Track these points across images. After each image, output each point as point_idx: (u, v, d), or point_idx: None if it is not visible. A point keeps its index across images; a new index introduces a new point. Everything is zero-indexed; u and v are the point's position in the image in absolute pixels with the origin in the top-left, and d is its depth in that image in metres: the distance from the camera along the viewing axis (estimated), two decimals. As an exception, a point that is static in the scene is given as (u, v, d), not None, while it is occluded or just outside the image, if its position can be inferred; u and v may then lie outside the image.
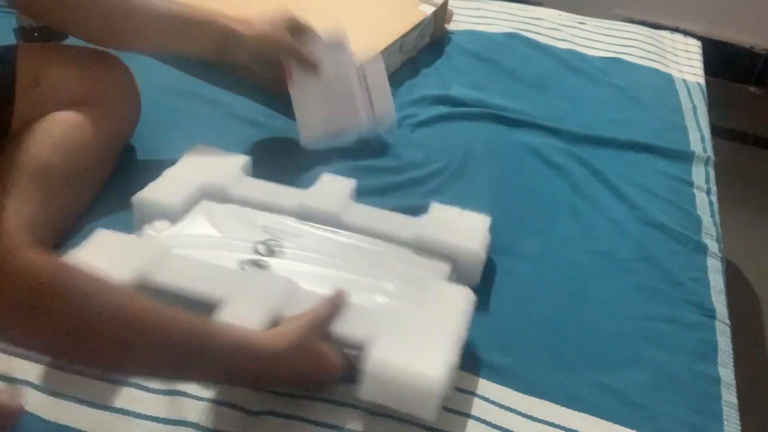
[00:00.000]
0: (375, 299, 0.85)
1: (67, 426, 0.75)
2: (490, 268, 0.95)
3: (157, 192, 0.93)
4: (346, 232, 0.94)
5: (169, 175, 0.95)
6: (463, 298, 0.83)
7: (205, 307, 0.80)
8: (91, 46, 1.01)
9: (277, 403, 0.78)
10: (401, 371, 0.74)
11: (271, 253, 0.90)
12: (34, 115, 0.95)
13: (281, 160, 1.09)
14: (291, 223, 0.95)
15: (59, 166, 0.92)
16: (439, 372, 0.73)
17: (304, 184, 1.00)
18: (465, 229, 0.93)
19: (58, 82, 0.97)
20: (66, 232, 0.93)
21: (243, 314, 0.77)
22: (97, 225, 0.89)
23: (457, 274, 0.92)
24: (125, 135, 1.05)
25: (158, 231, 0.90)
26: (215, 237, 0.91)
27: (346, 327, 0.79)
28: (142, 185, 0.93)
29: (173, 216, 0.92)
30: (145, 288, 0.81)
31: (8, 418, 0.74)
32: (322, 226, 0.94)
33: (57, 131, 0.94)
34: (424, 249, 0.92)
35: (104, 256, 0.81)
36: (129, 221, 0.93)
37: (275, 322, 0.79)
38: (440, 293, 0.84)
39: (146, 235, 0.89)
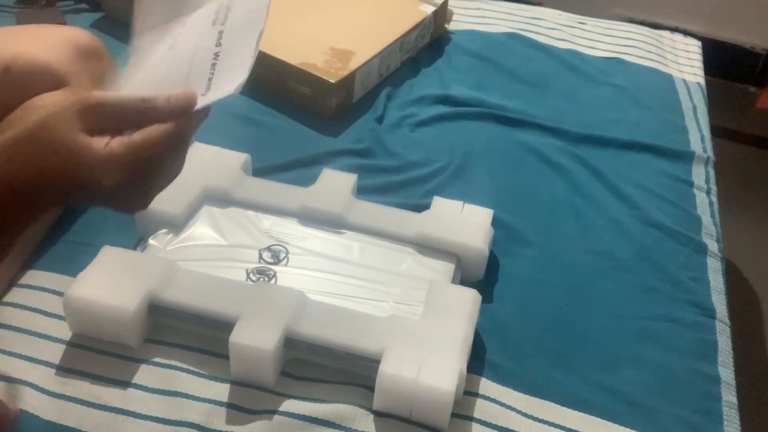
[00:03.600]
0: (383, 306, 0.85)
1: (67, 426, 0.75)
2: (493, 261, 0.95)
3: (158, 200, 0.91)
4: (350, 233, 0.94)
5: None
6: (469, 301, 0.83)
7: (219, 324, 0.80)
8: (62, 27, 0.97)
9: (278, 402, 0.78)
10: (412, 385, 0.74)
11: (276, 260, 0.90)
12: (8, 104, 0.93)
13: (281, 157, 1.09)
14: (294, 225, 0.95)
15: None
16: (451, 383, 0.74)
17: (305, 182, 1.00)
18: (468, 224, 0.94)
19: (28, 68, 0.95)
20: (57, 219, 0.92)
21: (256, 331, 0.78)
22: (101, 238, 0.89)
23: (462, 270, 0.92)
24: None
25: (162, 243, 0.90)
26: (220, 246, 0.91)
27: (356, 339, 0.79)
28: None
29: (177, 224, 0.92)
30: (156, 306, 0.82)
31: (3, 422, 0.74)
32: (326, 228, 0.94)
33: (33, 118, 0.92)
34: (428, 246, 0.93)
35: (113, 275, 0.82)
36: (132, 227, 0.93)
37: (288, 338, 0.79)
38: (447, 296, 0.84)
39: (151, 247, 0.89)
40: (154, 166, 0.53)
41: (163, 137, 0.52)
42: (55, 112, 0.52)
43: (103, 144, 0.51)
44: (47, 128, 0.52)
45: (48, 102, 0.54)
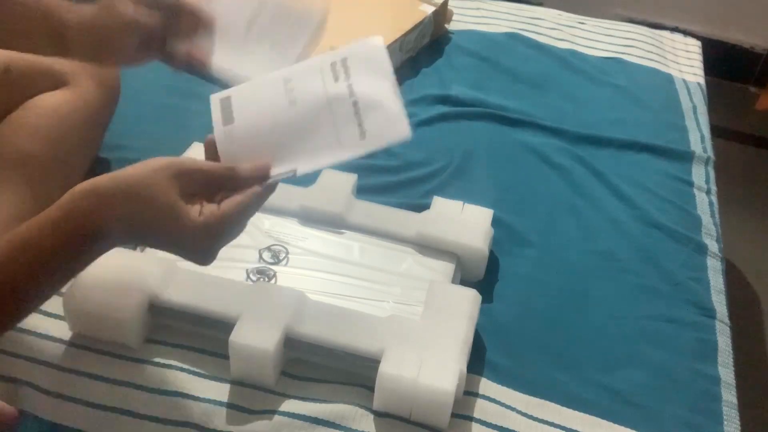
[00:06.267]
0: (383, 306, 0.85)
1: (67, 426, 0.75)
2: (493, 261, 0.95)
3: None
4: (350, 233, 0.94)
5: None
6: (469, 301, 0.83)
7: (219, 324, 0.80)
8: None
9: (278, 402, 0.78)
10: (412, 385, 0.74)
11: (276, 260, 0.90)
12: (8, 104, 0.94)
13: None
14: (294, 225, 0.95)
15: (39, 154, 0.91)
16: (451, 383, 0.74)
17: (305, 182, 1.00)
18: (468, 224, 0.94)
19: (28, 69, 0.95)
20: None
21: (256, 331, 0.78)
22: None
23: (462, 270, 0.92)
24: (104, 116, 1.02)
25: None
26: (220, 245, 0.91)
27: (356, 339, 0.79)
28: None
29: None
30: (156, 306, 0.82)
31: (3, 422, 0.74)
32: (326, 228, 0.94)
33: (33, 118, 0.92)
34: (428, 246, 0.93)
35: (113, 275, 0.82)
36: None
37: (288, 338, 0.79)
38: (447, 296, 0.84)
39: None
40: (234, 230, 0.62)
41: (243, 206, 0.61)
42: (154, 173, 0.58)
43: (197, 212, 0.59)
44: (147, 188, 0.58)
45: (148, 165, 0.59)
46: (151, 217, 0.58)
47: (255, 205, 0.62)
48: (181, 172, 0.59)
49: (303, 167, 0.62)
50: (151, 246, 0.62)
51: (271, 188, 0.63)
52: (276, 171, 0.62)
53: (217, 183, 0.61)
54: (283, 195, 0.97)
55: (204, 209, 0.59)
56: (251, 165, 0.62)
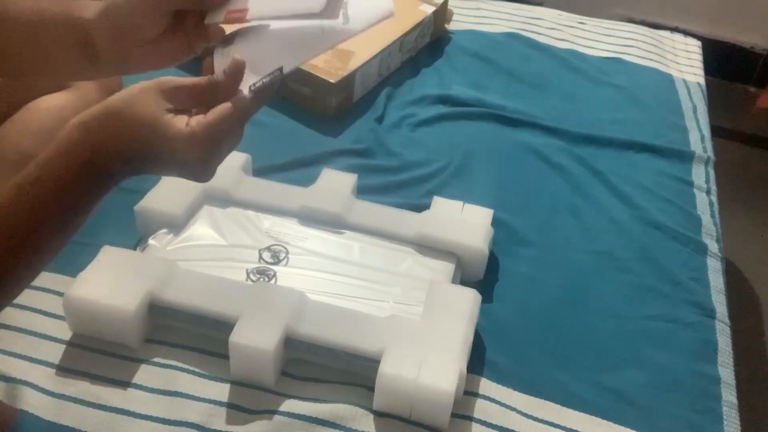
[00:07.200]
0: (383, 306, 0.85)
1: (67, 426, 0.75)
2: (493, 261, 0.96)
3: (158, 201, 0.93)
4: (350, 233, 0.94)
5: (169, 180, 0.95)
6: (469, 301, 0.83)
7: (219, 324, 0.80)
8: None
9: (278, 402, 0.78)
10: (412, 385, 0.74)
11: (276, 260, 0.90)
12: (12, 105, 0.94)
13: (281, 157, 1.09)
14: (294, 225, 0.95)
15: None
16: (451, 383, 0.74)
17: (305, 182, 1.00)
18: (468, 224, 0.94)
19: None
20: None
21: (256, 331, 0.78)
22: (101, 238, 0.88)
23: (462, 270, 0.92)
24: None
25: (162, 243, 0.90)
26: (220, 245, 0.91)
27: (356, 339, 0.79)
28: (142, 187, 0.93)
29: (177, 224, 0.92)
30: (156, 306, 0.82)
31: (3, 422, 0.74)
32: (326, 228, 0.94)
33: (36, 120, 0.93)
34: (428, 246, 0.93)
35: (113, 275, 0.82)
36: (132, 227, 0.93)
37: (288, 338, 0.79)
38: (447, 296, 0.84)
39: (151, 247, 0.89)
40: (224, 140, 0.60)
41: (230, 112, 0.59)
42: (139, 93, 0.58)
43: (184, 123, 0.58)
44: (131, 107, 0.58)
45: (132, 88, 0.59)
46: (139, 135, 0.58)
47: (246, 112, 0.61)
48: (163, 89, 0.59)
49: (289, 64, 0.63)
50: (147, 171, 0.61)
51: (262, 94, 0.62)
52: (262, 73, 0.62)
53: (204, 96, 0.60)
54: (283, 195, 0.97)
55: (191, 120, 0.58)
56: (227, 67, 0.61)
